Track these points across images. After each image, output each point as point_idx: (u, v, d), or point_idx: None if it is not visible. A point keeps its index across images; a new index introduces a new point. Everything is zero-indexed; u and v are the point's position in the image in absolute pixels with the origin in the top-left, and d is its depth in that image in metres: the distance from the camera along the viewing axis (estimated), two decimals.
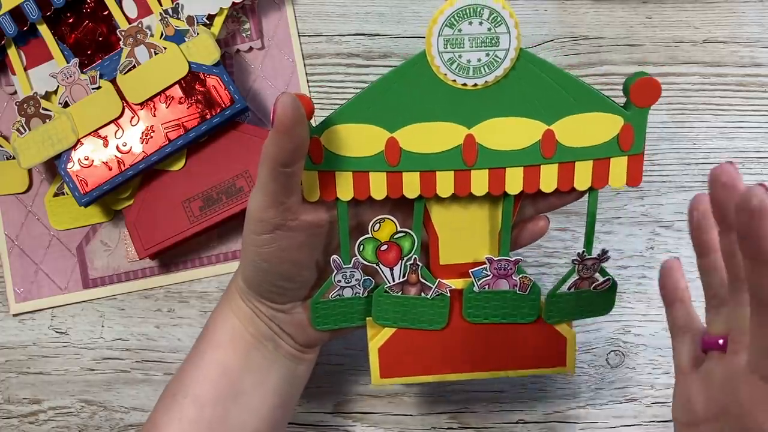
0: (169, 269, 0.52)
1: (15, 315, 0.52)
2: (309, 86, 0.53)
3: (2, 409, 0.52)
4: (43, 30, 0.49)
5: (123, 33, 0.47)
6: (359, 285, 0.40)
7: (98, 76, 0.47)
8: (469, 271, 0.40)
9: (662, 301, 0.36)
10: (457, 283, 0.41)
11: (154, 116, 0.48)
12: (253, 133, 0.50)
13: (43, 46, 0.49)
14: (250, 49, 0.52)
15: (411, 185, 0.38)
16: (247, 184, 0.49)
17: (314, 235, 0.39)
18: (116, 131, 0.48)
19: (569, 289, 0.41)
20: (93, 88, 0.47)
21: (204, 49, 0.48)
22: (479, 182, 0.38)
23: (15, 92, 0.51)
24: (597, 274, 0.41)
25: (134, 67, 0.48)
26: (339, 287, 0.40)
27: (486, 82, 0.36)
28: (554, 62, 0.53)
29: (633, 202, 0.52)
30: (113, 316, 0.52)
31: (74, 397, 0.52)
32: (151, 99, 0.48)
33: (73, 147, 0.47)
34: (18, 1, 0.48)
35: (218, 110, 0.48)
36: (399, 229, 0.39)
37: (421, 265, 0.40)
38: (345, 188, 0.38)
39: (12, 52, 0.49)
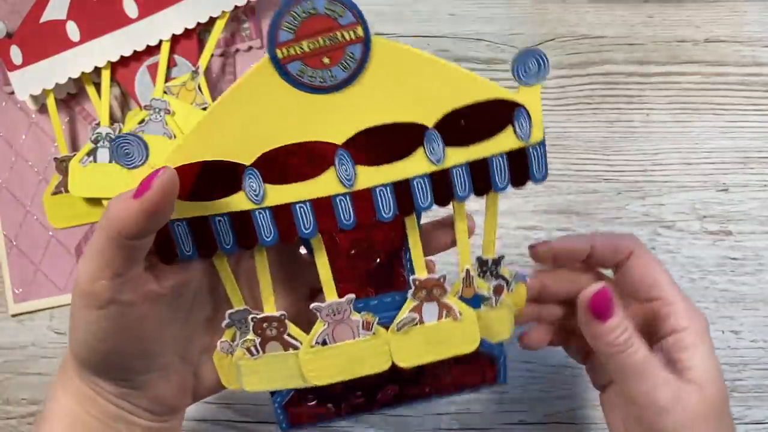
0: None
1: (14, 315, 0.52)
2: None
3: (1, 409, 0.51)
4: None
5: (417, 282, 0.34)
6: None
7: (376, 322, 0.34)
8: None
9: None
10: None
11: None
12: None
13: (44, 40, 0.49)
14: (250, 48, 0.52)
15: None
16: None
17: (163, 305, 0.32)
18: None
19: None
20: (364, 334, 0.34)
21: (498, 325, 0.36)
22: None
23: (12, 92, 0.51)
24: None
25: (415, 326, 0.35)
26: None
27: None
28: (555, 62, 0.53)
29: (634, 201, 0.52)
30: None
31: None
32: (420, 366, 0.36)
33: None
34: None
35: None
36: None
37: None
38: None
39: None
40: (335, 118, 0.30)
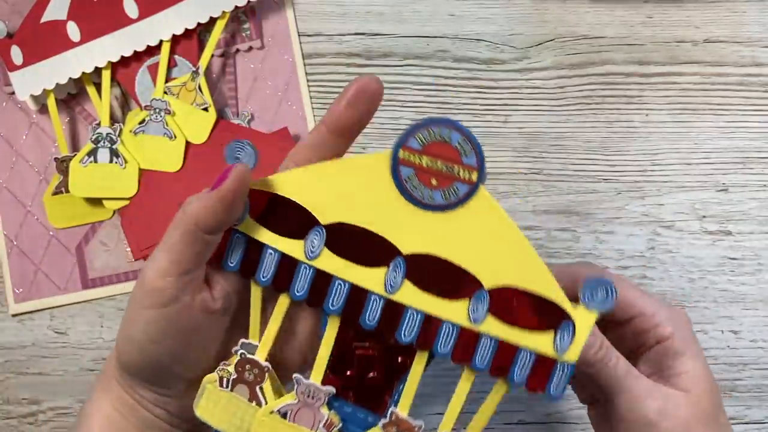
0: None
1: (14, 315, 0.52)
2: (309, 86, 0.53)
3: (1, 409, 0.52)
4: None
5: (394, 417, 0.35)
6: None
7: (337, 428, 0.34)
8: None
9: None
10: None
11: None
12: (252, 136, 0.50)
13: (45, 40, 0.49)
14: (250, 48, 0.52)
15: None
16: None
17: (212, 318, 0.33)
18: None
19: None
20: (322, 431, 0.34)
21: None
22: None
23: (13, 92, 0.51)
24: None
25: None
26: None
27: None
28: (555, 62, 0.53)
29: (634, 201, 0.52)
30: (112, 316, 0.52)
31: (73, 398, 0.51)
32: None
33: None
34: None
35: None
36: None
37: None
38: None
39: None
40: (411, 231, 0.32)
